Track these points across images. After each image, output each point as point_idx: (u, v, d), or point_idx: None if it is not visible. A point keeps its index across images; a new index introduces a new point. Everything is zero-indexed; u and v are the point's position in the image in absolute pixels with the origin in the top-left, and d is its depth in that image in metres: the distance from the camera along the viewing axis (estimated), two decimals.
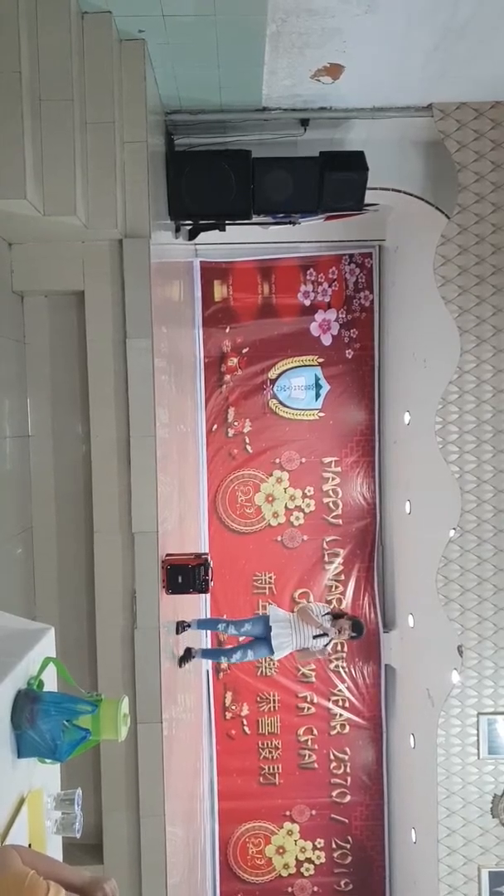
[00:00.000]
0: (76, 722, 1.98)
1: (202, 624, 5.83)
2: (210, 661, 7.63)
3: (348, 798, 7.95)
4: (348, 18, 3.90)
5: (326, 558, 7.84)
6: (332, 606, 5.85)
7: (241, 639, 5.66)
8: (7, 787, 1.80)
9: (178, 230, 5.38)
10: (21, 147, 3.17)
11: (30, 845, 1.83)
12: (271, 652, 5.38)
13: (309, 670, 7.83)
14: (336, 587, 7.84)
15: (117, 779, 4.10)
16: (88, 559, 4.10)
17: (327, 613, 5.37)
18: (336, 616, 5.38)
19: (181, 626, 5.11)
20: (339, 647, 7.68)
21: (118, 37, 3.82)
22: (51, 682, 2.11)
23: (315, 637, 5.26)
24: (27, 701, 1.88)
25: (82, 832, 2.07)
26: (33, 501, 4.16)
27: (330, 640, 5.39)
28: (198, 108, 4.88)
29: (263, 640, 5.38)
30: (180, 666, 5.08)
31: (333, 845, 7.97)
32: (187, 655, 5.20)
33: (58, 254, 3.93)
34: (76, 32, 3.53)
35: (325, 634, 5.29)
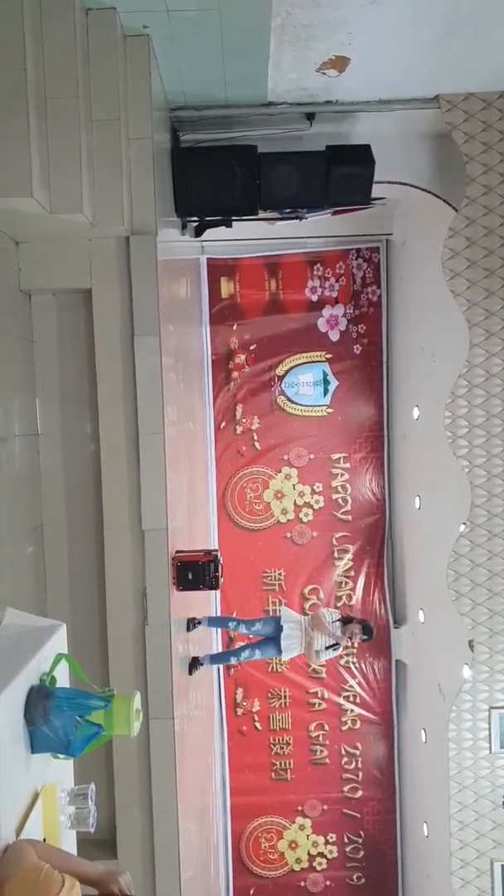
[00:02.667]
0: (89, 717, 1.98)
1: (213, 621, 5.84)
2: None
3: (360, 793, 7.95)
4: (353, 10, 3.88)
5: (336, 554, 7.82)
6: (341, 612, 5.89)
7: (249, 637, 5.67)
8: (21, 782, 1.81)
9: (184, 227, 5.37)
10: (27, 145, 3.18)
11: (44, 840, 1.84)
12: (279, 652, 5.41)
13: (319, 666, 7.83)
14: (346, 583, 7.83)
15: (130, 774, 4.12)
16: (99, 556, 4.11)
17: (338, 620, 5.40)
18: (346, 621, 5.41)
19: (192, 623, 5.12)
20: (349, 644, 7.67)
21: (122, 33, 3.81)
22: (63, 678, 2.11)
23: (327, 647, 5.31)
24: (40, 697, 1.89)
25: (96, 827, 2.08)
26: (43, 499, 4.17)
27: (340, 646, 5.43)
28: (203, 104, 4.86)
29: (272, 639, 5.41)
30: (190, 674, 5.10)
31: (346, 840, 7.98)
32: (195, 664, 5.22)
33: (65, 252, 3.93)
34: (80, 29, 3.53)
35: (335, 641, 5.33)
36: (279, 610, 5.88)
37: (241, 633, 5.57)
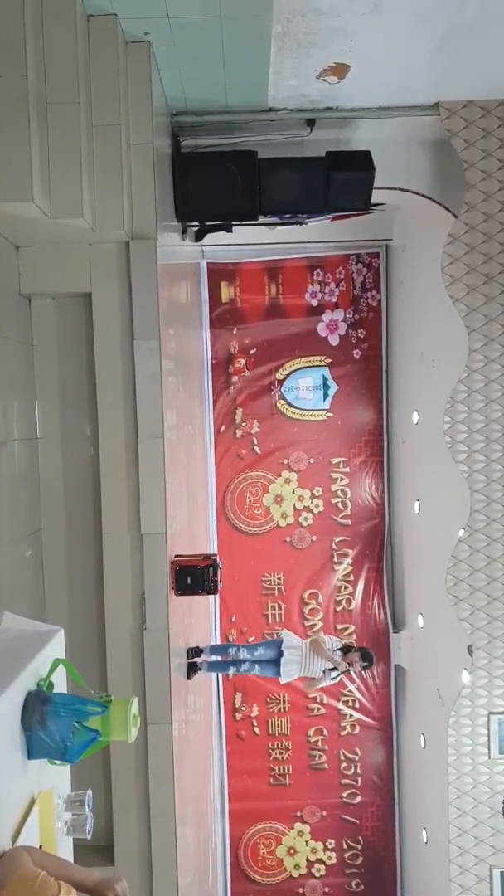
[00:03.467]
0: (86, 723, 1.98)
1: (214, 649, 5.87)
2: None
3: (359, 799, 7.93)
4: (354, 18, 3.90)
5: (335, 559, 7.82)
6: (343, 641, 5.96)
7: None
8: (18, 789, 1.80)
9: (184, 232, 5.38)
10: (28, 150, 3.18)
11: (40, 846, 1.83)
12: (278, 675, 5.46)
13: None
14: (345, 588, 7.82)
15: (127, 780, 4.10)
16: (97, 561, 4.11)
17: (339, 648, 5.47)
18: (345, 651, 5.48)
19: (192, 652, 5.15)
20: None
21: (124, 39, 3.83)
22: (61, 684, 2.11)
23: (325, 671, 5.38)
24: (37, 702, 1.88)
25: (93, 834, 2.08)
26: (42, 503, 4.17)
27: (340, 673, 5.50)
28: (204, 110, 4.88)
29: (273, 662, 5.45)
30: (188, 678, 5.11)
31: (344, 846, 7.95)
32: (193, 668, 5.23)
33: (65, 256, 3.94)
34: (82, 35, 3.54)
35: (335, 668, 5.39)
36: (280, 634, 5.94)
37: (243, 657, 5.61)
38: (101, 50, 3.67)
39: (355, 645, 5.99)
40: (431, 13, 3.91)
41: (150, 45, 3.93)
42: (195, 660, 5.30)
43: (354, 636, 7.77)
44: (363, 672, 7.70)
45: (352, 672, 5.65)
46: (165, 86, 4.43)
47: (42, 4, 3.35)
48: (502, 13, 3.93)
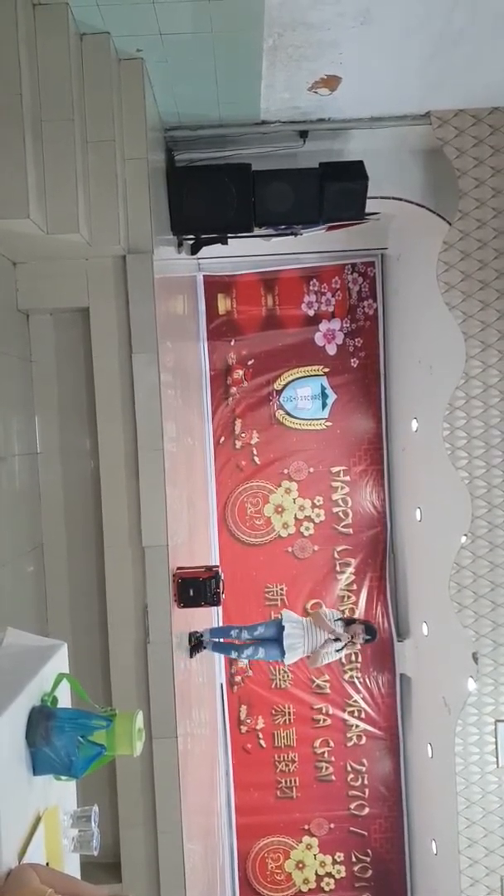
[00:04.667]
0: (91, 738, 1.97)
1: (215, 632, 5.81)
2: (224, 673, 7.60)
3: (367, 810, 7.86)
4: (344, 30, 3.94)
5: (338, 568, 7.80)
6: (344, 613, 5.84)
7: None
8: (23, 805, 1.79)
9: (180, 245, 5.42)
10: (23, 167, 3.21)
11: (47, 863, 1.81)
12: (282, 654, 5.34)
13: (323, 681, 7.77)
14: (348, 597, 7.79)
15: (133, 795, 4.07)
16: (99, 574, 4.10)
17: (339, 619, 5.35)
18: (348, 622, 5.37)
19: (193, 637, 5.10)
20: (353, 658, 7.62)
21: (117, 56, 3.87)
22: (65, 699, 2.10)
23: (328, 641, 5.22)
24: (41, 718, 1.87)
25: (100, 850, 2.06)
26: (43, 518, 4.17)
27: (343, 645, 5.34)
28: (197, 124, 4.92)
29: (276, 641, 5.36)
30: (191, 656, 5.04)
31: (353, 859, 7.88)
32: (198, 646, 5.15)
33: (62, 271, 3.96)
34: (75, 54, 3.58)
35: (338, 639, 5.26)
36: (280, 614, 5.86)
37: (244, 639, 5.54)
38: (95, 67, 3.71)
39: (359, 618, 5.84)
40: (420, 24, 3.95)
41: (142, 62, 3.98)
42: (200, 637, 5.22)
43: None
44: (369, 676, 7.70)
45: (356, 643, 5.45)
46: (159, 101, 4.47)
47: (35, 24, 3.40)
48: (491, 22, 3.98)
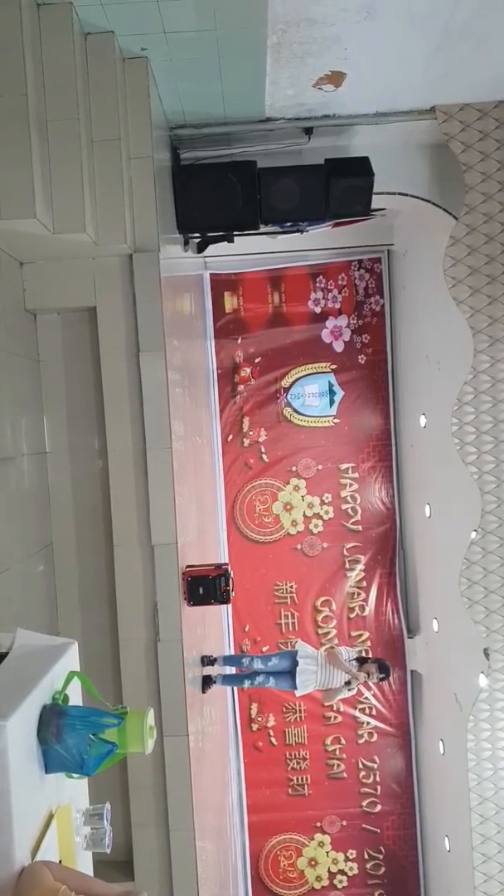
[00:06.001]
0: (102, 735, 1.97)
1: (228, 660, 5.85)
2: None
3: (379, 807, 7.85)
4: (348, 26, 3.92)
5: (347, 565, 7.79)
6: (359, 651, 5.94)
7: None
8: (36, 803, 1.79)
9: (186, 243, 5.42)
10: (29, 167, 3.22)
11: (60, 861, 1.82)
12: (294, 687, 5.42)
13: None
14: (358, 594, 7.78)
15: (145, 793, 4.08)
16: (109, 573, 4.11)
17: (354, 658, 5.45)
18: (361, 661, 5.46)
19: (206, 660, 5.13)
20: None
21: (121, 55, 3.87)
22: (76, 697, 2.10)
23: (344, 683, 5.36)
24: (53, 716, 1.88)
25: (112, 848, 2.06)
26: (52, 517, 4.18)
27: (357, 684, 5.47)
28: (202, 122, 4.92)
29: (288, 673, 5.42)
30: (203, 692, 5.09)
31: (366, 856, 7.87)
32: (208, 682, 5.20)
33: (69, 271, 3.97)
34: (80, 53, 3.58)
35: (349, 682, 5.38)
36: (295, 644, 5.91)
37: (256, 667, 5.58)
38: (99, 67, 3.71)
39: (371, 656, 5.96)
40: (424, 19, 3.93)
41: (147, 61, 3.97)
42: (209, 673, 5.28)
43: (369, 643, 7.73)
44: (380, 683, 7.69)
45: (369, 682, 5.61)
46: (163, 99, 4.47)
47: (39, 24, 3.40)
48: (496, 15, 3.95)
